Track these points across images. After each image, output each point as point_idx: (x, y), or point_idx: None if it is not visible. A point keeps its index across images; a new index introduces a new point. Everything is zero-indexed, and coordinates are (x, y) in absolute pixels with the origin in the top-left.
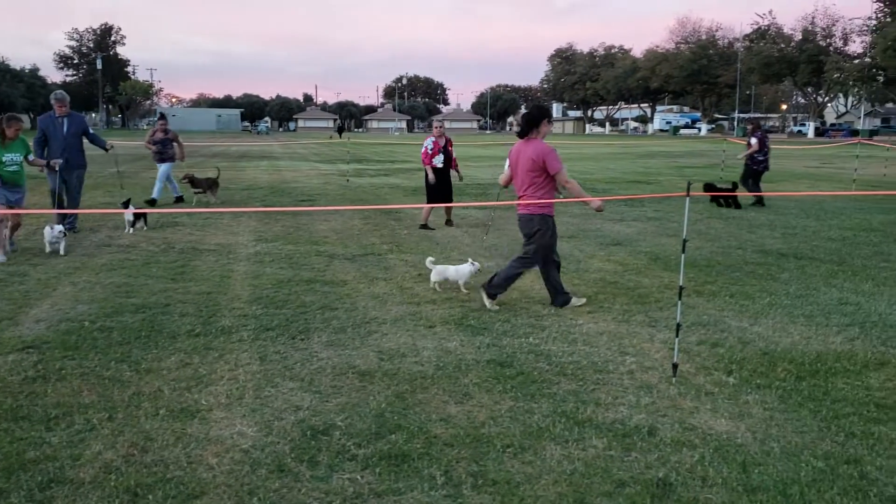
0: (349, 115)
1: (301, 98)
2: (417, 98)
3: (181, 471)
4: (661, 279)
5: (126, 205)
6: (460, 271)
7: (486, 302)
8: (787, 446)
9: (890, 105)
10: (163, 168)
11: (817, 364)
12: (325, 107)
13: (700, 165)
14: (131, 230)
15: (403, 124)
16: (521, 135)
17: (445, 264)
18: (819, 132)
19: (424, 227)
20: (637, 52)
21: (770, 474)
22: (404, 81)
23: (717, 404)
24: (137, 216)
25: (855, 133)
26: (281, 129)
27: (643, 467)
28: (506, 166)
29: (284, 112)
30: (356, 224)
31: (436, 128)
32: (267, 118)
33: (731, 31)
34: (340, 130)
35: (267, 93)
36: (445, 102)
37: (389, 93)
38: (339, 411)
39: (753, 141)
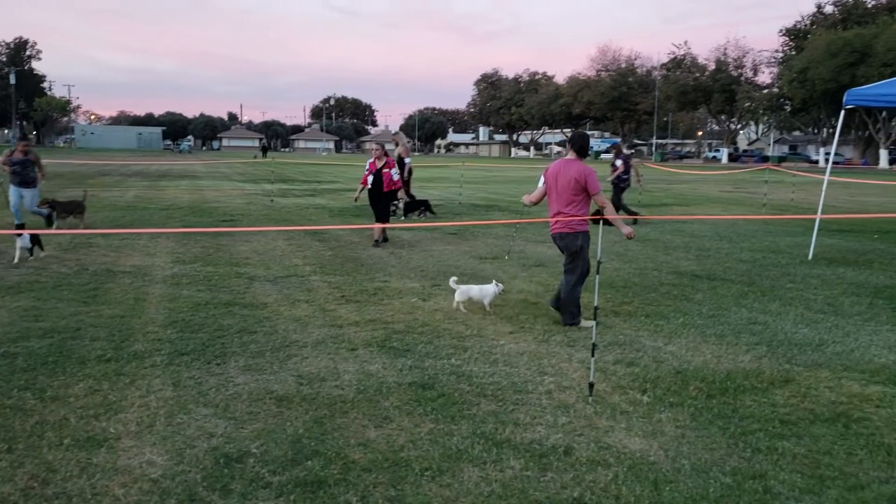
0: (275, 135)
1: (226, 117)
2: (345, 119)
3: (85, 503)
4: (583, 298)
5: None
6: (485, 291)
7: (585, 324)
8: (697, 463)
9: (797, 133)
10: (28, 195)
11: (727, 382)
12: (250, 126)
13: None
14: (30, 256)
15: (331, 144)
16: (582, 155)
17: (469, 284)
18: (732, 158)
19: (381, 241)
20: (560, 78)
21: (680, 491)
22: (332, 102)
23: (632, 423)
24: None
25: (765, 159)
26: (204, 148)
27: (559, 487)
28: (539, 184)
29: (208, 131)
30: (279, 245)
31: (374, 150)
32: (190, 137)
33: (650, 60)
34: (265, 150)
35: (190, 111)
36: (374, 124)
37: (317, 113)
38: (254, 438)
39: (619, 163)
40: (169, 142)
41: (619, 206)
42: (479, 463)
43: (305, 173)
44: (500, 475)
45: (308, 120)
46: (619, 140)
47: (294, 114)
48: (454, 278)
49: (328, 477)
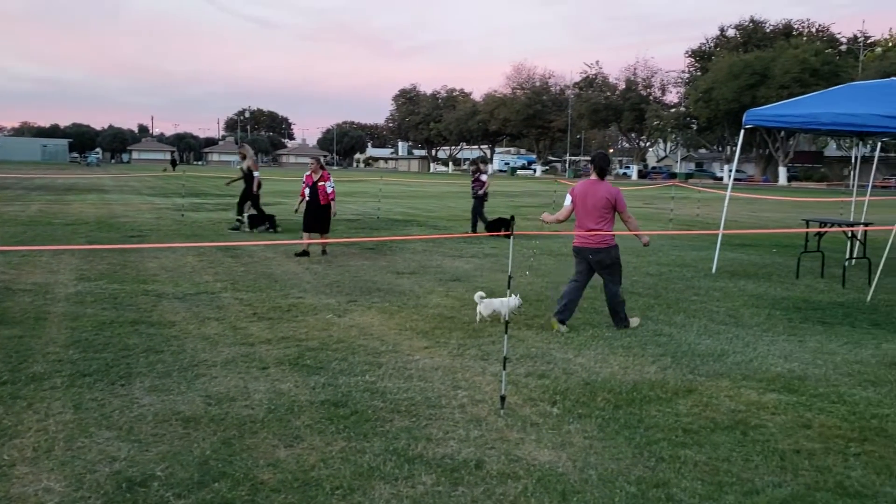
0: (188, 148)
1: (136, 129)
2: (261, 132)
3: None
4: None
5: None
6: (507, 304)
7: (633, 322)
8: (603, 473)
9: (703, 150)
10: None
11: (633, 393)
12: (162, 138)
13: (535, 205)
14: None
15: None
16: (602, 176)
17: (492, 298)
18: (642, 174)
19: (302, 253)
20: (477, 95)
21: (587, 501)
22: (247, 114)
23: (542, 435)
24: None
25: (673, 176)
26: (113, 161)
27: (469, 501)
28: (567, 202)
29: (117, 143)
30: (189, 261)
31: (311, 164)
32: (98, 149)
33: (563, 79)
34: (174, 163)
35: (99, 123)
36: (290, 137)
37: (231, 125)
38: (159, 461)
39: (484, 178)
40: (76, 154)
41: (483, 218)
42: (390, 480)
43: (219, 187)
44: (411, 491)
45: (222, 133)
46: (477, 158)
47: (208, 126)
48: (480, 293)
49: (236, 499)
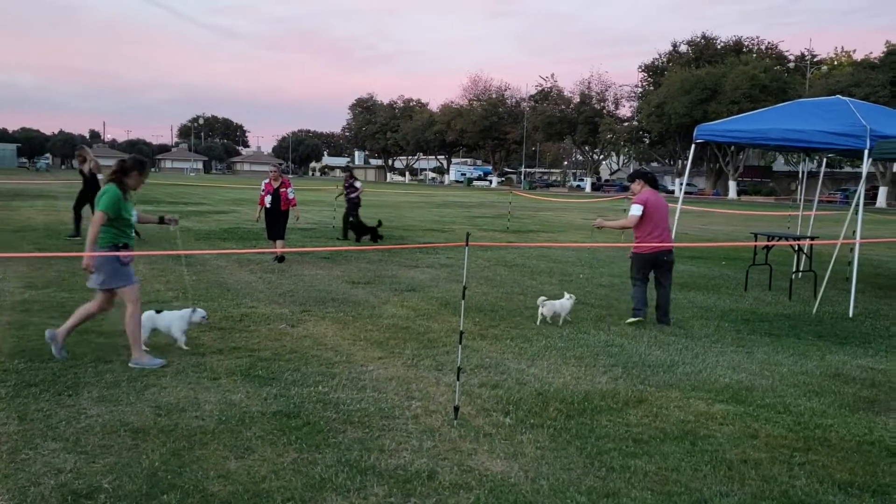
0: (140, 154)
1: (87, 134)
2: (215, 139)
3: None
4: (449, 323)
5: None
6: (565, 305)
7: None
8: (555, 483)
9: (655, 164)
10: None
11: (585, 403)
12: (114, 144)
13: (490, 215)
14: None
15: (200, 165)
16: (654, 186)
17: (553, 300)
18: (595, 187)
19: (280, 259)
20: (434, 106)
21: None
22: (201, 121)
23: (494, 445)
24: None
25: (625, 189)
26: (63, 167)
27: None
28: (637, 212)
29: (68, 149)
30: (141, 269)
31: (272, 171)
32: (48, 154)
33: (519, 92)
34: None
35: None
36: (245, 144)
37: (185, 132)
38: (106, 472)
39: (358, 184)
40: (24, 160)
41: (359, 223)
42: (342, 491)
43: (172, 195)
44: (363, 502)
45: (176, 139)
46: (349, 165)
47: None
48: (543, 297)
49: None
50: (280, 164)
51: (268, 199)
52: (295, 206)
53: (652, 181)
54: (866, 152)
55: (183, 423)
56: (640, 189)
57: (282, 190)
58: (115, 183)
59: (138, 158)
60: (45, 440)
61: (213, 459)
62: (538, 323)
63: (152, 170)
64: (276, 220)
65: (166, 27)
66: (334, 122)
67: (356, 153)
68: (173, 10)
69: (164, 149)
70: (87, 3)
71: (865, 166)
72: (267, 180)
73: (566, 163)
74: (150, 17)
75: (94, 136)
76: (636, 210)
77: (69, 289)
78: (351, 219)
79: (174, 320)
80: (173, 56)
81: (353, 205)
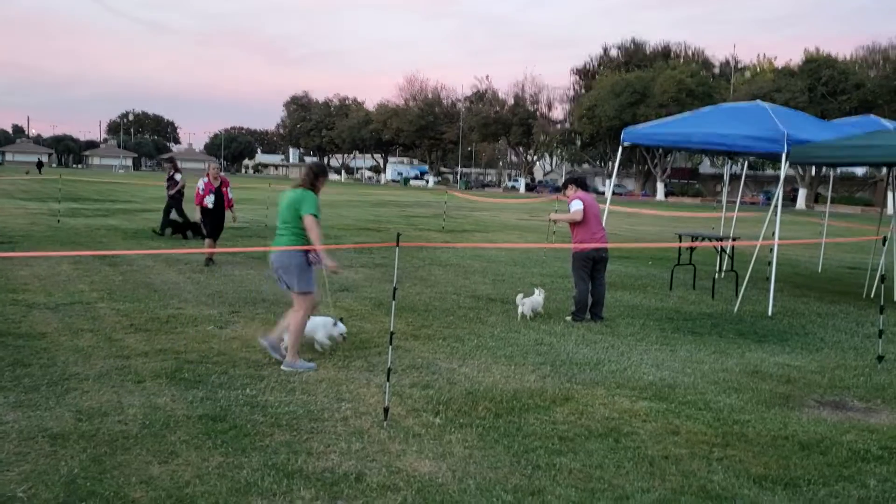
0: (67, 150)
1: (10, 129)
2: (145, 135)
3: None
4: (382, 324)
5: None
6: (538, 300)
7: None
8: (482, 482)
9: (586, 165)
10: None
11: (513, 401)
12: (38, 140)
13: (426, 215)
14: None
15: (129, 162)
16: (585, 189)
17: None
18: (529, 188)
19: (209, 261)
20: (370, 105)
21: None
22: (131, 118)
23: (423, 445)
24: None
25: (558, 189)
26: None
27: None
28: (579, 206)
29: None
30: (64, 269)
31: (212, 169)
32: None
33: (454, 92)
34: (40, 165)
35: None
36: (176, 141)
37: (114, 128)
38: (21, 480)
39: (179, 177)
40: None
41: (184, 218)
42: (268, 495)
43: (99, 192)
44: None
45: (104, 136)
46: (171, 156)
47: (89, 128)
48: (521, 295)
49: None
50: (217, 162)
51: (209, 198)
52: (233, 207)
53: (583, 185)
54: (784, 156)
55: (105, 429)
56: (573, 193)
57: (224, 189)
58: (310, 188)
59: (321, 164)
60: None
61: (135, 465)
62: (519, 320)
63: (78, 166)
64: (220, 221)
65: (95, 20)
66: (268, 119)
67: (290, 150)
68: (102, 3)
69: (92, 145)
70: None
71: (783, 169)
72: (205, 179)
73: (501, 163)
74: (78, 8)
75: (18, 130)
76: (577, 205)
77: None
78: (174, 216)
79: (318, 326)
80: (102, 50)
81: (175, 200)
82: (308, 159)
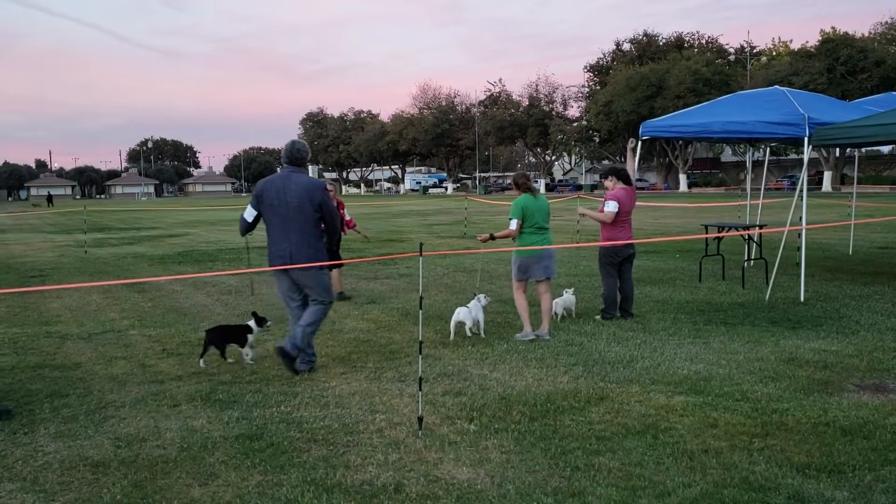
0: (90, 181)
1: (34, 164)
2: (165, 161)
3: None
4: (410, 334)
5: None
6: (571, 300)
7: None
8: (521, 486)
9: (606, 162)
10: None
11: (548, 404)
12: (61, 173)
13: (448, 222)
14: None
15: (151, 189)
16: (627, 182)
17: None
18: (549, 188)
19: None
20: (385, 116)
21: None
22: (150, 145)
23: (460, 453)
24: None
25: (579, 188)
26: (10, 199)
27: None
28: (613, 208)
29: (14, 180)
30: (94, 299)
31: (331, 187)
32: None
33: (468, 98)
34: (49, 199)
35: None
36: (196, 165)
37: (134, 156)
38: None
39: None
40: None
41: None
42: None
43: (123, 220)
44: None
45: (125, 164)
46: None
47: (109, 158)
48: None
49: None
50: (233, 183)
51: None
52: (354, 227)
53: (625, 178)
54: (806, 139)
55: (144, 454)
56: (612, 186)
57: (341, 211)
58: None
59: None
60: (1, 481)
61: (176, 488)
62: (558, 320)
63: (101, 196)
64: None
65: (109, 51)
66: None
67: (310, 168)
68: (115, 34)
69: (113, 174)
70: (25, 30)
71: (807, 153)
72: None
73: (519, 165)
74: (92, 41)
75: (41, 165)
76: (612, 207)
77: (21, 324)
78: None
79: (478, 310)
80: (118, 80)
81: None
82: (328, 175)
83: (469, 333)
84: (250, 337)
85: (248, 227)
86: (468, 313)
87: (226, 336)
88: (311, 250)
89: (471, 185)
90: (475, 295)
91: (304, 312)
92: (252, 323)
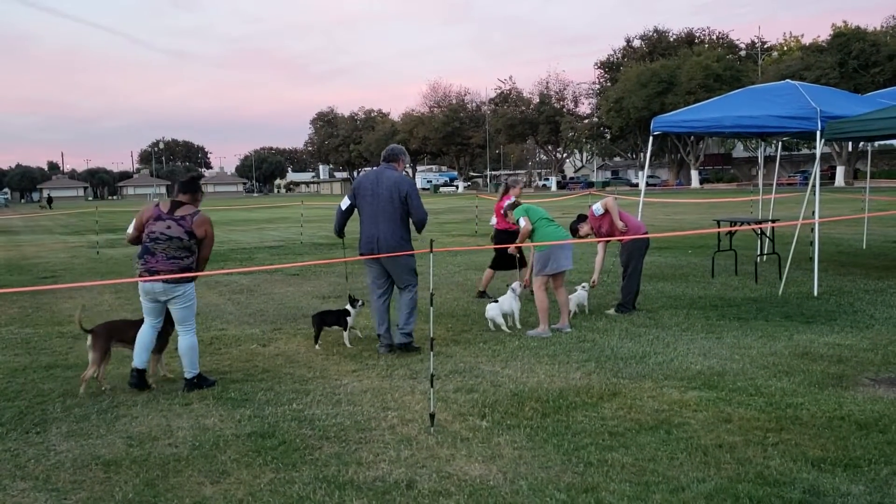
0: (101, 183)
1: (46, 166)
2: (177, 162)
3: None
4: (422, 331)
5: None
6: (583, 295)
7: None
8: (533, 483)
9: (618, 158)
10: None
11: (560, 400)
12: (73, 175)
13: (458, 220)
14: None
15: (163, 189)
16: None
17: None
18: (561, 185)
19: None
20: (395, 115)
21: None
22: (161, 146)
23: (472, 449)
24: None
25: (591, 185)
26: (23, 201)
27: None
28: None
29: (27, 182)
30: (107, 299)
31: (518, 187)
32: (6, 189)
33: (478, 96)
34: (50, 201)
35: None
36: (208, 166)
37: (146, 158)
38: None
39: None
40: None
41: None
42: None
43: None
44: None
45: (137, 165)
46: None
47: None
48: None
49: None
50: (244, 183)
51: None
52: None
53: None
54: (818, 133)
55: (156, 452)
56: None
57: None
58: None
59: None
60: (13, 480)
61: (188, 486)
62: (570, 317)
63: (114, 197)
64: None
65: (121, 53)
66: (296, 137)
67: (320, 167)
68: (126, 36)
69: (125, 176)
70: (38, 32)
71: (819, 147)
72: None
73: (531, 163)
74: (103, 43)
75: (53, 167)
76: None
77: (33, 324)
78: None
79: (511, 302)
80: (129, 82)
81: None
82: (339, 175)
83: (505, 328)
84: (349, 319)
85: (341, 217)
86: (496, 309)
87: (327, 320)
88: (396, 237)
89: (482, 184)
90: (508, 286)
91: (399, 303)
92: (349, 306)
